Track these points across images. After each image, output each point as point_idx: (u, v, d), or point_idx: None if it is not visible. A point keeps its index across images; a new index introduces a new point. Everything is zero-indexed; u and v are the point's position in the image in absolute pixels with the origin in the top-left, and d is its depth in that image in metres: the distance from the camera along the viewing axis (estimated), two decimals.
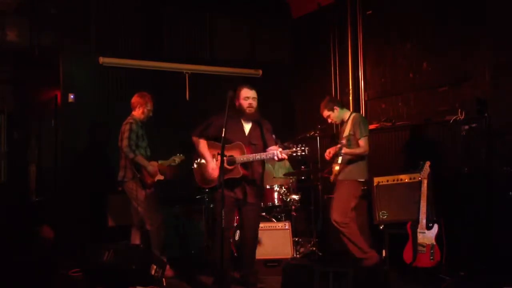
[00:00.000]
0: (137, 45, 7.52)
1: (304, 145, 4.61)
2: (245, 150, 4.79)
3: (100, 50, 7.19)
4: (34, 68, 7.15)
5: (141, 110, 5.75)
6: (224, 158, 4.67)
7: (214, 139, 4.96)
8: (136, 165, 5.58)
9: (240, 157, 4.77)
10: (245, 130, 4.95)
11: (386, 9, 7.15)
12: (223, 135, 4.40)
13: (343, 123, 5.87)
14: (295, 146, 4.61)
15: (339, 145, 5.59)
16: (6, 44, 6.82)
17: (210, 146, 4.98)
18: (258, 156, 4.75)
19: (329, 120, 5.91)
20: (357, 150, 5.54)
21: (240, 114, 4.89)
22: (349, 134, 5.61)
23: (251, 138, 4.92)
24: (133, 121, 5.67)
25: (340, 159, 5.63)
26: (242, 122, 4.94)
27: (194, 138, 5.03)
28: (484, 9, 5.85)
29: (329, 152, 5.76)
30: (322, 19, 8.10)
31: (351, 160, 5.62)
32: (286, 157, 4.64)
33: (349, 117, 5.76)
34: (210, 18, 8.06)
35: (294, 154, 4.59)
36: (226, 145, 4.70)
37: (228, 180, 4.71)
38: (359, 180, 5.67)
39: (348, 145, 5.54)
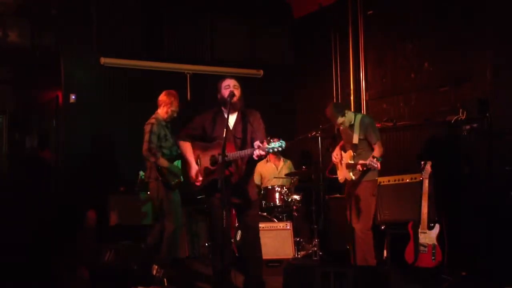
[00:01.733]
0: (138, 45, 7.53)
1: (280, 138, 4.26)
2: (227, 148, 4.48)
3: (101, 51, 7.19)
4: (35, 68, 7.15)
5: (165, 110, 5.63)
6: (208, 158, 4.59)
7: (200, 139, 4.77)
8: (158, 167, 5.48)
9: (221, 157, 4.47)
10: (230, 123, 4.66)
11: (387, 9, 7.15)
12: (224, 135, 4.32)
13: (345, 124, 5.60)
14: (272, 140, 4.27)
15: (351, 154, 5.38)
16: (7, 44, 6.83)
17: (193, 147, 4.79)
18: (238, 154, 4.50)
19: (342, 127, 5.59)
20: (378, 155, 5.22)
21: (224, 106, 4.64)
22: (360, 140, 5.38)
23: (236, 132, 4.67)
24: (154, 121, 5.55)
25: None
26: (228, 117, 4.59)
27: (178, 142, 4.85)
28: (485, 9, 5.85)
29: (337, 155, 5.60)
30: (323, 19, 8.10)
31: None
32: (264, 153, 4.33)
33: (355, 119, 5.50)
34: (211, 18, 8.06)
35: (271, 150, 4.29)
36: (208, 144, 4.65)
37: (213, 182, 4.51)
38: (375, 179, 5.48)
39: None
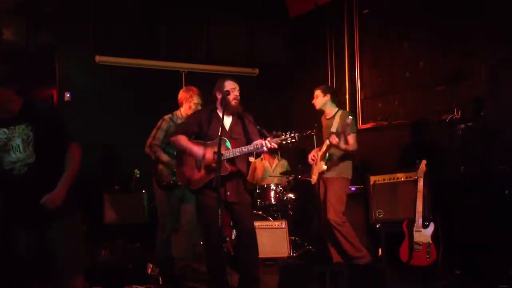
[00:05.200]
0: (134, 43, 7.51)
1: (293, 131, 4.33)
2: (230, 145, 4.48)
3: (97, 49, 7.18)
4: (30, 66, 7.12)
5: (188, 106, 5.50)
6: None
7: (195, 137, 4.68)
8: (156, 164, 5.45)
9: (226, 152, 4.42)
10: (226, 124, 4.59)
11: (383, 8, 7.16)
12: (219, 133, 4.29)
13: (326, 118, 5.74)
14: (283, 133, 4.34)
15: (326, 143, 5.44)
16: (2, 43, 6.80)
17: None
18: (245, 149, 4.43)
19: (314, 100, 5.75)
20: (349, 148, 5.45)
21: (222, 106, 4.56)
22: (337, 131, 5.45)
23: (232, 133, 4.62)
24: (167, 118, 5.49)
25: (327, 157, 5.53)
26: (223, 116, 4.53)
27: (172, 138, 4.73)
28: (483, 8, 5.86)
29: (313, 156, 5.70)
30: (319, 18, 8.10)
31: (340, 158, 5.56)
32: (276, 146, 4.35)
33: (336, 113, 5.66)
34: (207, 17, 8.06)
35: (284, 142, 4.32)
36: (208, 142, 4.57)
37: (212, 180, 4.43)
38: (348, 178, 5.64)
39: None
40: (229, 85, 4.61)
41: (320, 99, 5.72)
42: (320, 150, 5.68)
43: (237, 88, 4.64)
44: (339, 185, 5.58)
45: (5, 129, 3.47)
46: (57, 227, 3.51)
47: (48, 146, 3.51)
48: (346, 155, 5.57)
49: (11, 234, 3.55)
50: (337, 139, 5.27)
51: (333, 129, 5.54)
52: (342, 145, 5.39)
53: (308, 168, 6.96)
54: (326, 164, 5.52)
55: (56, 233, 3.52)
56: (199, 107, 5.50)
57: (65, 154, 3.58)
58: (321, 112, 5.82)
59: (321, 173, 5.60)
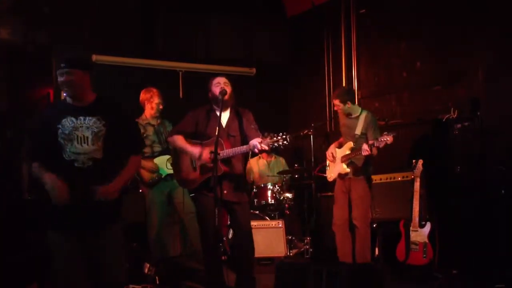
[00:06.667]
0: (131, 43, 7.50)
1: (285, 133, 4.30)
2: (224, 145, 4.49)
3: (94, 48, 7.16)
4: (27, 66, 7.11)
5: (150, 106, 5.68)
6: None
7: (191, 137, 4.69)
8: None
9: (222, 152, 4.43)
10: (222, 121, 4.59)
11: (380, 8, 7.17)
12: (216, 132, 4.29)
13: (349, 117, 5.67)
14: (275, 135, 4.31)
15: (350, 145, 5.48)
16: None
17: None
18: (238, 150, 4.47)
19: (335, 108, 5.72)
20: (373, 154, 5.38)
21: (215, 104, 4.61)
22: (362, 134, 5.48)
23: (229, 130, 4.63)
24: None
25: (350, 161, 5.52)
26: (221, 114, 4.52)
27: (169, 139, 4.77)
28: (481, 9, 5.88)
29: (332, 155, 5.69)
30: (316, 18, 8.11)
31: (362, 160, 5.50)
32: (267, 148, 4.34)
33: (360, 114, 5.57)
34: (204, 16, 8.05)
35: (276, 144, 4.30)
36: (204, 142, 4.58)
37: (208, 180, 4.48)
38: (370, 176, 5.63)
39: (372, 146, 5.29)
40: (213, 81, 4.66)
41: (342, 108, 5.60)
42: (336, 146, 5.70)
43: (222, 81, 4.63)
44: (364, 185, 5.55)
45: (73, 118, 3.37)
46: (106, 233, 3.34)
47: (118, 145, 3.40)
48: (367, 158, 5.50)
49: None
50: (369, 151, 5.23)
51: (357, 131, 5.49)
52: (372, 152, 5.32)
53: (306, 168, 6.99)
54: (348, 167, 5.53)
55: (105, 240, 3.34)
56: (161, 107, 5.69)
57: (125, 159, 3.44)
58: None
59: (343, 175, 5.58)
